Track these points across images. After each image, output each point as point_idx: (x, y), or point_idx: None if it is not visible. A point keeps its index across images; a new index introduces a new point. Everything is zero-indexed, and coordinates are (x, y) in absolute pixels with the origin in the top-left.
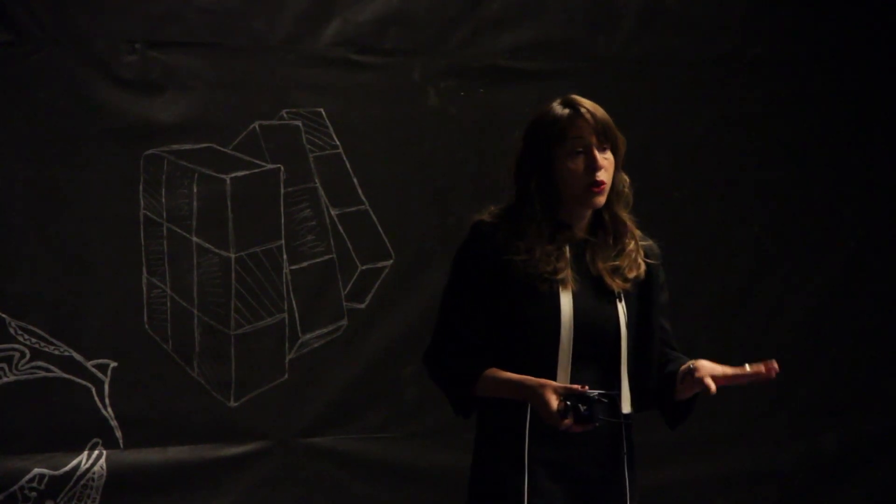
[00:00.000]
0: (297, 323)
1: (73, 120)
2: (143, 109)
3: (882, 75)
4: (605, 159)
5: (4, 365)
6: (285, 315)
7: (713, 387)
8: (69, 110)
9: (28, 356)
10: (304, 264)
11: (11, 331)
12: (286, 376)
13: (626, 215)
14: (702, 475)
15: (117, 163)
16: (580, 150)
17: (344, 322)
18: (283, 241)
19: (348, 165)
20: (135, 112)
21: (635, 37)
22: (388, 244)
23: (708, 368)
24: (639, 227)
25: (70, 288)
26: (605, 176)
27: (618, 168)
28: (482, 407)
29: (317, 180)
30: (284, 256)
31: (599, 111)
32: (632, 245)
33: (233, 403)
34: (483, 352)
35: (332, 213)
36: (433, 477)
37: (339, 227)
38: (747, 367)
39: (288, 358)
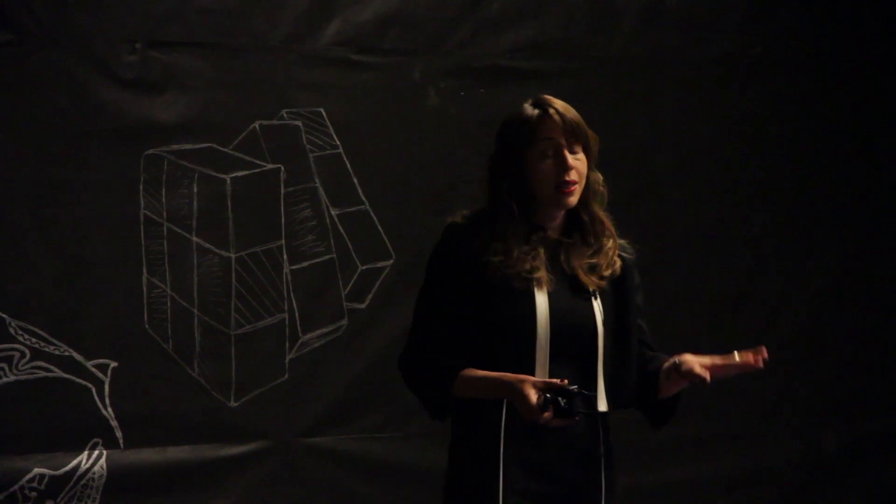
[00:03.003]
0: (298, 323)
1: (73, 120)
2: (143, 109)
3: (882, 75)
4: (577, 159)
5: (5, 365)
6: (285, 315)
7: (706, 374)
8: (69, 110)
9: (28, 356)
10: (305, 264)
11: (12, 331)
12: (286, 376)
13: (603, 213)
14: (702, 475)
15: (117, 163)
16: (550, 151)
17: (344, 322)
18: (283, 241)
19: (348, 165)
20: (135, 112)
21: (635, 37)
22: (389, 244)
23: (694, 359)
24: (638, 227)
25: (70, 288)
26: (575, 176)
27: (590, 167)
28: (458, 409)
29: (317, 180)
30: (285, 256)
31: (570, 111)
32: (610, 243)
33: (233, 403)
34: (459, 353)
35: (333, 212)
36: (433, 477)
37: (340, 227)
38: (736, 356)
39: (288, 358)
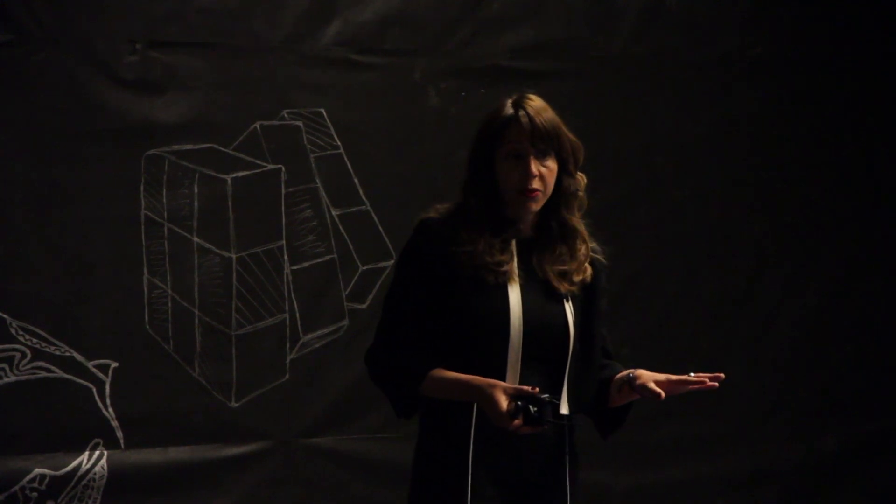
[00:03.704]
0: (298, 323)
1: (74, 120)
2: (143, 109)
3: (882, 75)
4: (544, 166)
5: (5, 365)
6: (286, 315)
7: (661, 391)
8: (69, 110)
9: (29, 356)
10: (305, 264)
11: (12, 331)
12: (287, 377)
13: (575, 220)
14: (702, 475)
15: (118, 163)
16: (515, 154)
17: (345, 322)
18: (284, 242)
19: (349, 166)
20: (135, 112)
21: (635, 37)
22: (389, 244)
23: (649, 375)
24: (638, 227)
25: (71, 288)
26: (538, 184)
27: (567, 173)
28: (426, 408)
29: (318, 180)
30: (285, 257)
31: (543, 115)
32: (583, 250)
33: (234, 404)
34: (429, 350)
35: (333, 213)
36: None
37: (340, 228)
38: (691, 375)
39: (289, 358)
